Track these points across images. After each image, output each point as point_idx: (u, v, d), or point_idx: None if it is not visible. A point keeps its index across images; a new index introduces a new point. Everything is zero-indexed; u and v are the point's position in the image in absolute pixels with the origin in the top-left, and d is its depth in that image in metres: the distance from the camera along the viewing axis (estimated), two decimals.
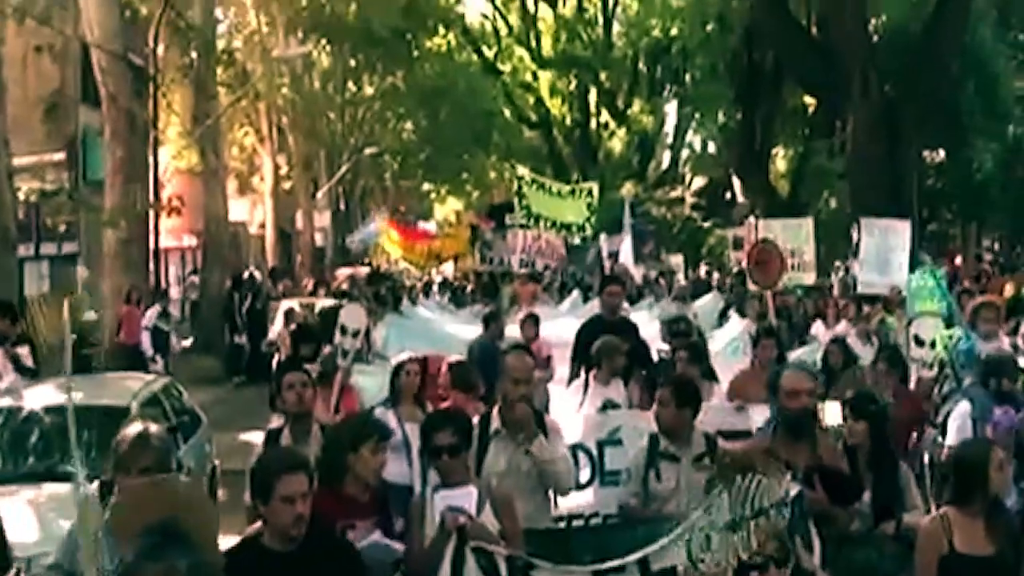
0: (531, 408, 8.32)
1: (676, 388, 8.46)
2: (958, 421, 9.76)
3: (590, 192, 22.94)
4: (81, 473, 5.40)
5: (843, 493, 7.60)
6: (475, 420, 8.02)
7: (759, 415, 10.07)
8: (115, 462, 6.30)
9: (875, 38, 37.37)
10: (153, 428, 6.50)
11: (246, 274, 32.47)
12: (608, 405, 10.70)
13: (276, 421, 9.26)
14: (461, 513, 6.48)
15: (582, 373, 12.09)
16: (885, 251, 19.58)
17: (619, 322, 13.24)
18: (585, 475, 9.56)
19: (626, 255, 28.45)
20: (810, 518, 6.50)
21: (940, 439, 10.30)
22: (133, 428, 6.44)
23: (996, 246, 61.42)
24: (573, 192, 23.13)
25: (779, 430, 7.61)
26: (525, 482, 8.00)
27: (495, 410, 8.28)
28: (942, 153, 49.38)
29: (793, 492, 6.20)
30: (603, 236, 29.58)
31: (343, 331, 13.06)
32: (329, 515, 6.39)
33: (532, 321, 14.33)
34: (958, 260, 51.34)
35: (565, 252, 29.08)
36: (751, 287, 21.68)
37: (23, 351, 13.99)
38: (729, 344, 17.73)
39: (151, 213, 26.92)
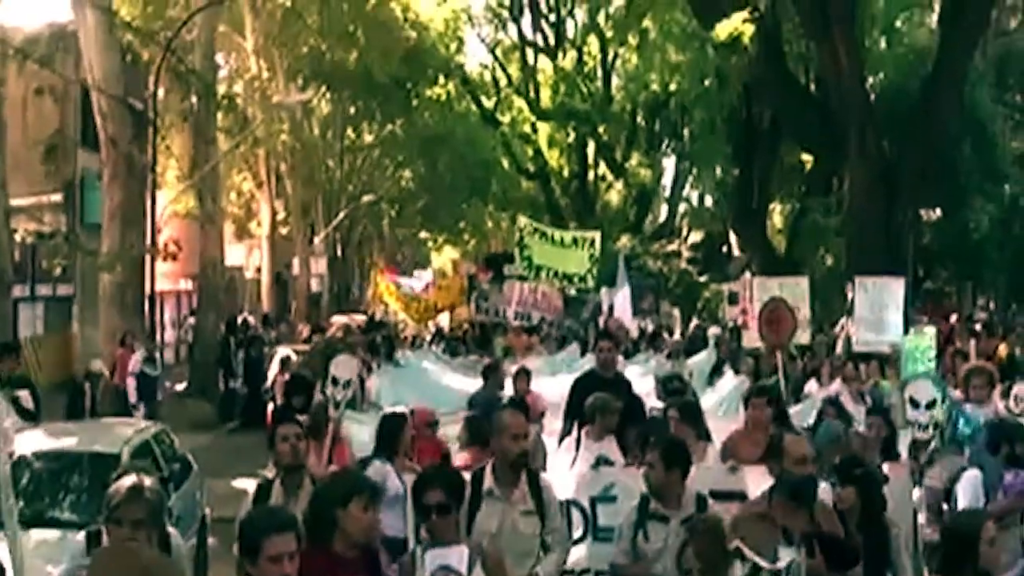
0: (527, 466, 8.28)
1: (665, 450, 8.44)
2: (969, 489, 9.73)
3: (592, 243, 22.86)
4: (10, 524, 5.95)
5: (841, 560, 7.54)
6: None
7: (752, 476, 10.04)
8: (107, 514, 6.30)
9: (873, 96, 37.49)
10: (147, 481, 6.50)
11: (240, 319, 32.45)
12: (601, 461, 10.66)
13: (272, 470, 9.27)
14: (451, 572, 6.48)
15: (575, 429, 12.09)
16: (879, 309, 19.60)
17: (613, 378, 13.23)
18: (578, 531, 9.45)
19: (622, 308, 28.40)
20: None
21: (926, 503, 10.29)
22: (126, 480, 6.44)
23: (991, 305, 61.50)
24: (575, 241, 23.07)
25: (778, 495, 7.54)
26: (518, 543, 7.89)
27: (488, 468, 8.17)
28: (939, 211, 49.49)
29: (787, 560, 6.19)
30: (603, 290, 29.54)
31: (334, 382, 13.06)
32: (317, 573, 6.27)
33: (524, 375, 14.29)
34: (953, 318, 51.55)
35: (562, 304, 29.03)
36: (751, 344, 21.76)
37: (23, 394, 13.97)
38: (722, 402, 17.73)
39: (147, 257, 26.89)
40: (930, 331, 17.98)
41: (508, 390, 15.13)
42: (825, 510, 7.83)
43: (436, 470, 8.05)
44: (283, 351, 23.46)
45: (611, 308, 28.81)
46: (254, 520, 6.12)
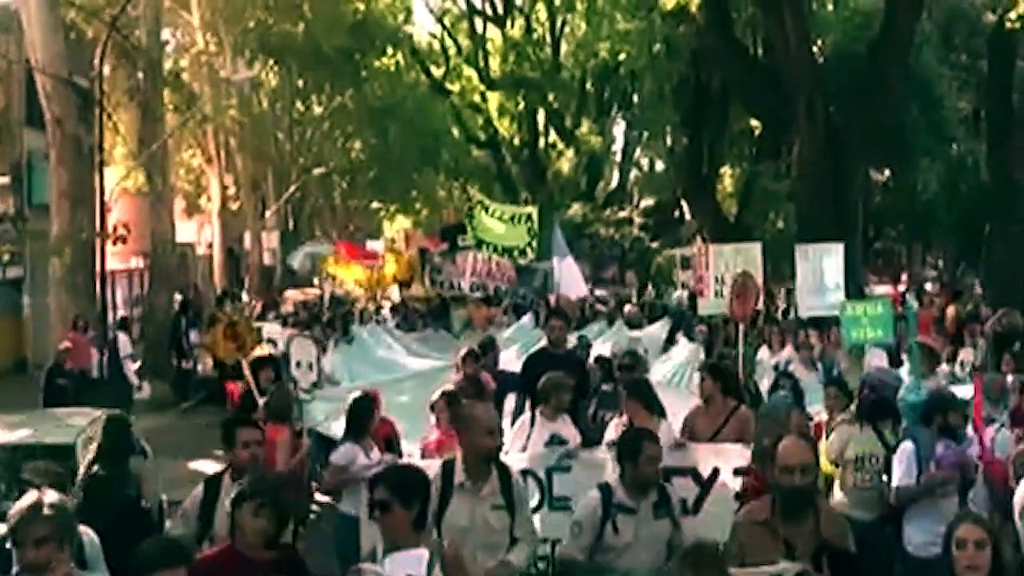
0: (499, 461, 8.21)
1: (618, 444, 8.53)
2: (903, 461, 9.73)
3: (529, 217, 23.02)
4: None
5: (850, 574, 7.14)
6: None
7: (703, 452, 10.18)
8: (11, 535, 5.99)
9: (820, 60, 37.57)
10: (49, 496, 6.17)
11: (191, 294, 32.36)
12: (555, 440, 10.71)
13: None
14: None
15: (527, 407, 12.17)
16: (821, 274, 19.72)
17: (565, 355, 13.33)
18: (534, 501, 9.57)
19: (569, 279, 28.32)
20: None
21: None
22: (27, 498, 6.15)
23: (941, 264, 62.09)
24: (513, 218, 23.18)
25: (778, 507, 7.14)
26: (487, 537, 7.85)
27: (459, 461, 8.05)
28: (887, 173, 49.80)
29: (796, 571, 6.16)
30: (554, 260, 29.56)
31: (297, 365, 13.12)
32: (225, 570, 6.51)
33: (474, 357, 14.25)
34: (903, 278, 52.08)
35: (515, 274, 29.01)
36: (704, 312, 21.89)
37: None
38: (676, 371, 17.87)
39: (97, 240, 26.75)
40: (885, 300, 18.15)
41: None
42: (831, 520, 7.36)
43: (389, 468, 7.96)
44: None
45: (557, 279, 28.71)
46: (143, 554, 5.92)
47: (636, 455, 8.12)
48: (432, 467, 9.83)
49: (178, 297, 32.72)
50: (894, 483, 9.77)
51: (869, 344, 15.58)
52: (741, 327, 15.75)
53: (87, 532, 7.39)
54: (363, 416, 10.88)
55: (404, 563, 6.37)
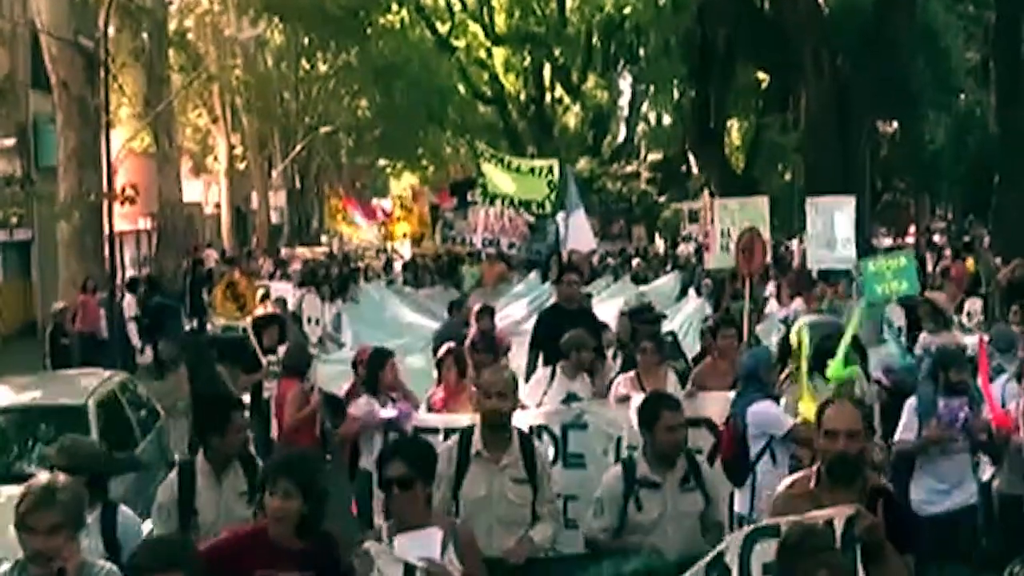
0: (511, 427, 7.87)
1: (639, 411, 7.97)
2: (904, 418, 9.64)
3: (551, 169, 22.51)
4: None
5: (904, 533, 6.52)
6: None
7: (714, 400, 10.12)
8: (17, 520, 5.53)
9: (827, 12, 37.41)
10: (61, 479, 5.74)
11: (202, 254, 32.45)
12: (572, 398, 10.71)
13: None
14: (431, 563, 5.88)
15: (539, 364, 12.20)
16: (832, 227, 19.70)
17: (578, 312, 13.31)
18: (549, 456, 9.45)
19: (578, 232, 28.16)
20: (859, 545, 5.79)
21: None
22: (38, 480, 5.69)
23: (949, 216, 62.04)
24: (533, 171, 22.85)
25: (824, 476, 6.46)
26: (507, 511, 7.54)
27: (476, 429, 7.74)
28: (895, 125, 49.73)
29: (848, 514, 5.76)
30: (560, 214, 29.44)
31: (308, 321, 13.20)
32: (246, 561, 5.89)
33: (487, 313, 14.28)
34: (911, 229, 52.02)
35: (528, 230, 28.81)
36: (711, 266, 21.91)
37: None
38: (683, 324, 17.91)
39: (105, 202, 26.74)
40: (908, 253, 18.11)
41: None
42: (876, 482, 6.61)
43: (402, 440, 7.56)
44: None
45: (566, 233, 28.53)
46: (140, 557, 5.55)
47: (652, 423, 7.60)
48: (443, 422, 9.92)
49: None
50: (896, 438, 9.67)
51: (895, 297, 15.49)
52: (748, 282, 15.71)
53: (123, 511, 7.21)
54: (375, 369, 10.94)
55: (416, 543, 5.98)
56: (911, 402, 9.72)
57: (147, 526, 7.54)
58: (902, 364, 11.87)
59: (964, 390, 9.62)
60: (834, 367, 9.41)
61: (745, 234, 16.04)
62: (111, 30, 28.98)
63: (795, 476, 7.00)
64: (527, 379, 11.95)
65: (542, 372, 11.63)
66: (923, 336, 12.58)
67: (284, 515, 5.86)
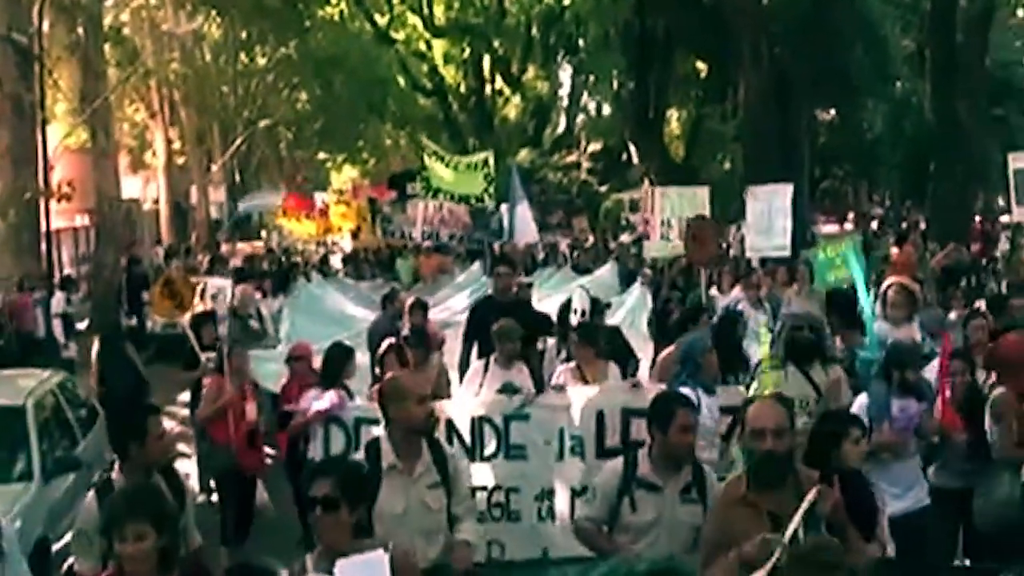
0: (427, 432, 7.49)
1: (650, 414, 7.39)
2: None
3: (486, 162, 22.83)
4: None
5: (865, 513, 6.50)
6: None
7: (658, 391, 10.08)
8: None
9: (764, 2, 37.65)
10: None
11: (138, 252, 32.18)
12: (508, 388, 10.65)
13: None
14: None
15: (474, 355, 12.22)
16: (769, 215, 19.81)
17: (513, 302, 13.36)
18: (490, 448, 9.63)
19: (522, 224, 28.18)
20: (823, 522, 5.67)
21: None
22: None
23: (887, 202, 62.62)
24: (470, 165, 23.05)
25: (752, 478, 6.21)
26: (425, 521, 7.12)
27: (384, 439, 7.26)
28: (833, 112, 50.13)
29: (810, 497, 5.60)
30: (503, 206, 29.47)
31: (250, 316, 13.12)
32: None
33: (420, 307, 14.27)
34: (850, 216, 52.45)
35: (470, 219, 28.78)
36: (651, 254, 21.98)
37: None
38: (627, 315, 17.94)
39: (42, 199, 26.49)
40: (854, 236, 18.21)
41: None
42: (813, 483, 6.13)
43: (331, 460, 6.86)
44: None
45: (511, 225, 28.56)
46: (112, 507, 5.53)
47: (667, 422, 7.09)
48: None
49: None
50: None
51: (844, 283, 15.50)
52: (702, 270, 15.66)
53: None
54: (334, 364, 11.01)
55: (361, 568, 5.46)
56: (861, 400, 9.30)
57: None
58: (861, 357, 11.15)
59: (918, 390, 9.28)
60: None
61: (696, 221, 16.07)
62: (46, 25, 28.70)
63: (728, 480, 6.87)
64: (461, 372, 11.98)
65: (478, 364, 11.58)
66: (878, 325, 11.72)
67: (141, 557, 5.34)
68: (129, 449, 7.07)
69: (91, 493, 7.15)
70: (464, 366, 12.37)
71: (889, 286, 12.45)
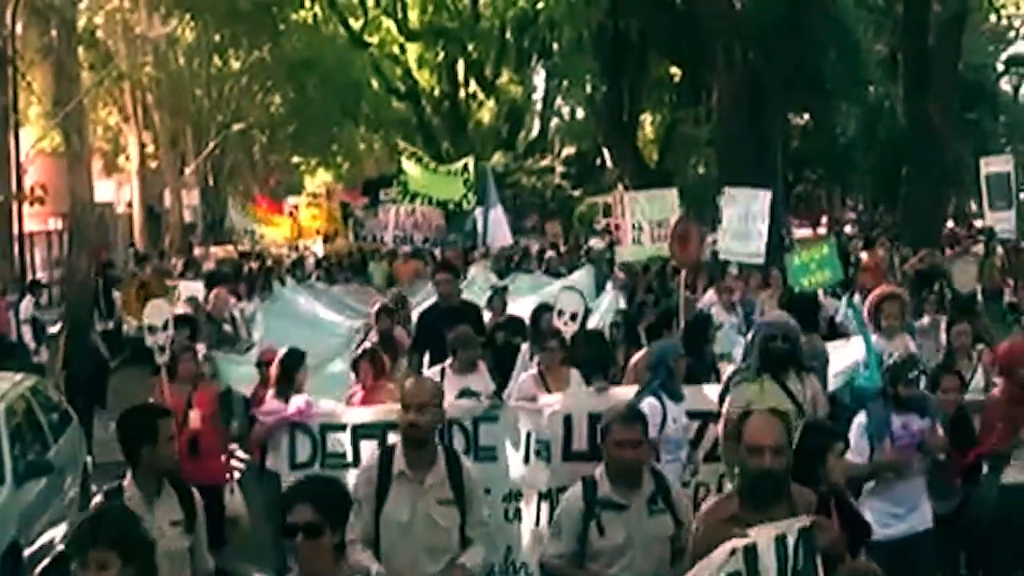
0: (434, 443, 7.26)
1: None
2: (853, 440, 8.67)
3: (466, 168, 22.90)
4: None
5: (857, 532, 6.41)
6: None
7: (624, 396, 9.87)
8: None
9: (739, 6, 37.75)
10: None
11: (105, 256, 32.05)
12: (467, 394, 10.69)
13: None
14: None
15: (424, 363, 12.33)
16: (746, 220, 19.84)
17: (459, 307, 13.39)
18: (460, 450, 9.57)
19: (496, 227, 28.20)
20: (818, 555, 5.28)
21: None
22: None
23: (860, 207, 62.91)
24: (450, 172, 23.11)
25: (745, 495, 6.05)
26: (432, 536, 6.94)
27: (399, 446, 7.13)
28: (807, 116, 50.29)
29: (799, 526, 5.19)
30: (479, 210, 29.45)
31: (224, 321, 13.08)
32: None
33: (387, 314, 14.23)
34: (823, 220, 52.68)
35: (444, 222, 28.75)
36: (623, 259, 21.98)
37: None
38: (600, 319, 17.98)
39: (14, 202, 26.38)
40: (829, 240, 18.29)
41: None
42: (809, 504, 6.08)
43: (310, 480, 6.39)
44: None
45: (484, 228, 28.52)
46: (78, 531, 5.19)
47: (604, 438, 7.04)
48: (349, 418, 9.91)
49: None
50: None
51: (821, 286, 15.54)
52: (683, 273, 15.64)
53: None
54: (289, 370, 10.91)
55: None
56: (860, 420, 9.00)
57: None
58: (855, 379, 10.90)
59: (920, 406, 9.05)
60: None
61: (679, 223, 16.06)
62: (19, 27, 28.61)
63: (717, 498, 6.74)
64: None
65: (432, 371, 11.53)
66: (873, 339, 11.38)
67: None
68: (140, 452, 6.76)
69: (98, 498, 7.03)
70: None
71: (882, 298, 12.24)
